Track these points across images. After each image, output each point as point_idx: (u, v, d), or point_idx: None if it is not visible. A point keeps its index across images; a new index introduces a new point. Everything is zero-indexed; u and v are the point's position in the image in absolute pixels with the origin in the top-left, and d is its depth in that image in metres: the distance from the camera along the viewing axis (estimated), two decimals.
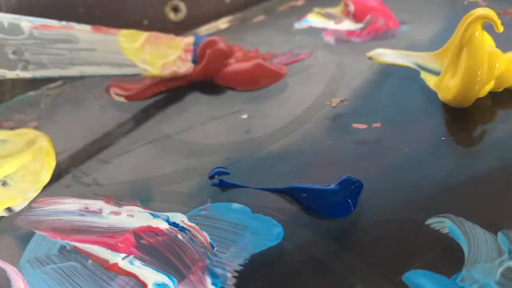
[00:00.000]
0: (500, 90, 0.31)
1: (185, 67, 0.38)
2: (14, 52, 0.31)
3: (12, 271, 0.25)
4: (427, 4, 0.44)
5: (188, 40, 0.39)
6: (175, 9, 0.47)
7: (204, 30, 0.47)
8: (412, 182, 0.26)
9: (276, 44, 0.41)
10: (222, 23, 0.47)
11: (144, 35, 0.38)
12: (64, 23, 0.34)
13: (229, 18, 0.47)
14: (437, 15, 0.42)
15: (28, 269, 0.25)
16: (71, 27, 0.34)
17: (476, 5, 0.41)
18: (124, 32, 0.37)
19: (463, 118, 0.31)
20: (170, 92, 0.38)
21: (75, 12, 0.43)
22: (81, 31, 0.34)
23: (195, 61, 0.38)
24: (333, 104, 0.33)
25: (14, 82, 0.41)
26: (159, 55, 0.37)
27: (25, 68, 0.32)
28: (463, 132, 0.30)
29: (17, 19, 0.32)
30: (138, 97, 0.38)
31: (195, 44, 0.39)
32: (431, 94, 0.32)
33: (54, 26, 0.33)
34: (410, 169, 0.27)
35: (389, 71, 0.36)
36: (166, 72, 0.37)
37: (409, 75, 0.35)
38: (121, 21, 0.45)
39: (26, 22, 0.32)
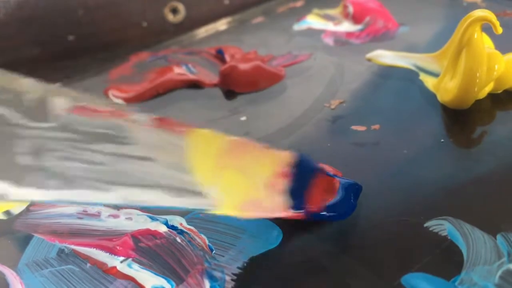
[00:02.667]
0: (499, 91, 0.31)
1: (274, 202, 0.24)
2: (31, 153, 0.19)
3: (10, 275, 0.25)
4: (426, 5, 0.44)
5: (285, 156, 0.24)
6: (174, 11, 0.47)
7: (203, 31, 0.47)
8: (411, 184, 0.26)
9: (275, 45, 0.41)
10: (221, 25, 0.47)
11: (224, 140, 0.23)
12: (117, 105, 0.22)
13: (228, 19, 0.47)
14: (436, 17, 0.42)
15: (27, 272, 0.24)
16: (123, 114, 0.21)
17: (475, 6, 0.41)
18: (197, 132, 0.23)
19: (462, 119, 0.31)
20: (168, 94, 0.38)
21: (75, 14, 0.43)
22: (137, 123, 0.21)
23: (292, 193, 0.24)
24: (332, 106, 0.33)
25: None
26: (241, 178, 0.23)
27: (41, 183, 0.19)
28: (462, 133, 0.30)
29: (48, 91, 0.20)
30: (136, 99, 0.38)
31: (300, 166, 0.24)
32: (430, 96, 0.32)
33: (100, 109, 0.21)
34: (409, 171, 0.27)
35: (388, 72, 0.35)
36: (248, 211, 0.23)
37: (408, 77, 0.34)
38: (120, 23, 0.45)
39: (61, 100, 0.20)
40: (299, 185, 0.24)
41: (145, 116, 0.21)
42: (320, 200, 0.24)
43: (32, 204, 0.29)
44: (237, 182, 0.23)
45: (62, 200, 0.20)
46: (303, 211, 0.24)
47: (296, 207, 0.24)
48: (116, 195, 0.21)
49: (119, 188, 0.21)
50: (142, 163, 0.21)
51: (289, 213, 0.24)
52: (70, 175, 0.20)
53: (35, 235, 0.26)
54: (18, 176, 0.19)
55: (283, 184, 0.23)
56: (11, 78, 0.19)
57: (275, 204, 0.23)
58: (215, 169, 0.22)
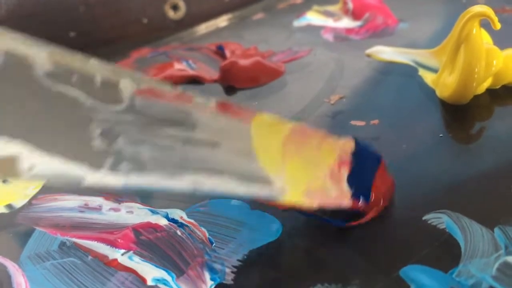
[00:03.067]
0: (497, 87, 0.32)
1: (338, 192, 0.23)
2: (103, 136, 0.19)
3: (12, 267, 0.25)
4: (425, 1, 0.44)
5: (346, 144, 0.24)
6: (175, 7, 0.47)
7: (203, 28, 0.47)
8: (410, 179, 0.27)
9: (275, 41, 0.42)
10: (222, 21, 0.47)
11: (288, 127, 0.22)
12: (180, 90, 0.20)
13: (229, 16, 0.47)
14: (436, 13, 0.42)
15: (29, 265, 0.25)
16: (189, 98, 0.20)
17: (474, 3, 0.41)
18: (262, 118, 0.22)
19: (461, 115, 0.31)
20: None
21: (76, 10, 0.44)
22: (202, 108, 0.21)
23: (352, 181, 0.24)
24: (332, 101, 0.33)
25: None
26: (304, 165, 0.23)
27: (115, 166, 0.19)
28: (461, 128, 0.30)
29: (119, 73, 0.19)
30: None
31: (358, 153, 0.24)
32: (429, 91, 0.33)
33: (165, 93, 0.20)
34: (408, 166, 0.27)
35: (387, 68, 0.36)
36: (312, 200, 0.23)
37: (407, 72, 0.35)
38: (121, 19, 0.45)
39: (129, 82, 0.19)
40: (360, 174, 0.24)
41: (210, 100, 0.21)
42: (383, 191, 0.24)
43: (35, 197, 0.29)
44: (301, 170, 0.23)
45: (133, 185, 0.20)
46: (366, 200, 0.24)
47: (357, 195, 0.24)
48: (185, 181, 0.20)
49: (187, 173, 0.20)
50: (209, 148, 0.21)
51: (352, 202, 0.24)
52: (141, 160, 0.19)
53: (37, 228, 0.27)
54: (93, 160, 0.19)
55: (345, 172, 0.23)
56: (78, 59, 0.19)
57: (338, 193, 0.23)
58: (280, 156, 0.22)
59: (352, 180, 0.23)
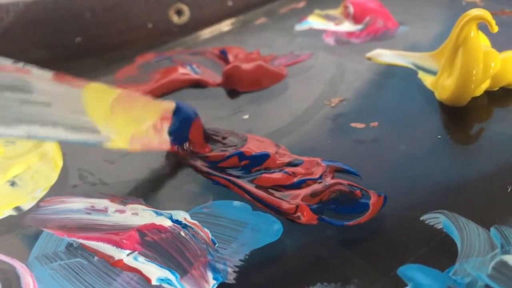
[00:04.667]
0: (496, 89, 0.32)
1: (159, 139, 0.30)
2: None
3: (21, 268, 0.25)
4: (425, 5, 0.44)
5: (167, 105, 0.31)
6: (179, 12, 0.47)
7: (207, 32, 0.47)
8: (409, 180, 0.27)
9: (277, 45, 0.42)
10: (225, 26, 0.48)
11: (115, 92, 0.29)
12: (20, 65, 0.26)
13: (232, 20, 0.48)
14: (436, 16, 0.42)
15: (37, 265, 0.25)
16: (27, 71, 0.26)
17: (474, 6, 0.42)
18: (92, 85, 0.28)
19: (460, 116, 0.31)
20: (173, 93, 0.39)
21: (82, 16, 0.44)
22: (39, 78, 0.26)
23: (173, 133, 0.31)
24: (333, 104, 0.34)
25: None
26: (129, 120, 0.29)
27: None
28: (459, 130, 0.31)
29: None
30: None
31: (177, 113, 0.31)
32: (428, 94, 0.33)
33: (6, 67, 0.25)
34: (407, 167, 0.28)
35: (387, 71, 0.36)
36: (135, 145, 0.29)
37: (407, 75, 0.35)
38: (126, 24, 0.46)
39: None
40: (178, 127, 0.31)
41: (46, 72, 0.26)
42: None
43: (42, 200, 0.30)
44: (127, 123, 0.29)
45: None
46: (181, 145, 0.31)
47: (175, 141, 0.31)
48: (20, 130, 0.25)
49: (22, 125, 0.25)
50: (42, 106, 0.26)
51: (169, 147, 0.31)
52: None
53: (45, 230, 0.27)
54: None
55: (166, 126, 0.31)
56: None
57: (159, 141, 0.30)
58: (108, 113, 0.28)
59: (172, 131, 0.31)
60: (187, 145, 0.31)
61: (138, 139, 0.29)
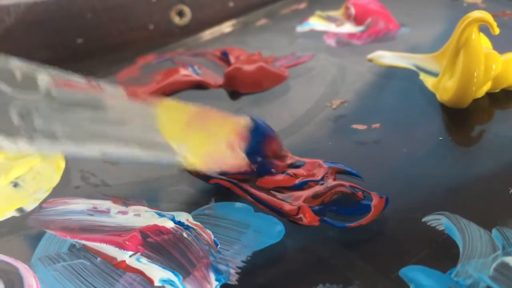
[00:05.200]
0: (497, 90, 0.32)
1: (235, 159, 0.28)
2: (20, 115, 0.23)
3: (24, 269, 0.25)
4: (427, 6, 0.44)
5: (242, 121, 0.29)
6: (180, 14, 0.48)
7: (208, 34, 0.48)
8: (410, 181, 0.27)
9: (278, 47, 0.42)
10: (226, 27, 0.48)
11: (190, 109, 0.28)
12: (94, 83, 0.26)
13: (233, 22, 0.48)
14: (437, 17, 0.42)
15: (39, 266, 0.25)
16: (101, 88, 0.26)
17: (476, 7, 0.42)
18: (166, 103, 0.27)
19: (461, 118, 0.31)
20: (175, 95, 0.39)
21: (83, 17, 0.44)
22: (112, 95, 0.26)
23: (250, 152, 0.28)
24: (334, 106, 0.34)
25: None
26: (204, 139, 0.28)
27: (30, 138, 0.23)
28: (461, 132, 0.31)
29: (36, 70, 0.24)
30: None
31: (254, 131, 0.29)
32: (429, 95, 0.33)
33: (79, 85, 0.25)
34: (408, 169, 0.28)
35: (388, 73, 0.36)
36: (211, 165, 0.28)
37: (408, 77, 0.35)
38: (127, 25, 0.46)
39: (46, 77, 0.24)
40: (254, 145, 0.28)
41: (119, 89, 0.26)
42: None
43: (45, 201, 0.30)
44: (201, 142, 0.27)
45: (47, 150, 0.25)
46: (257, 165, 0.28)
47: (251, 160, 0.28)
48: (95, 150, 0.25)
49: (96, 143, 0.25)
50: (115, 125, 0.25)
51: (245, 165, 0.28)
52: (55, 134, 0.24)
53: (47, 231, 0.27)
54: (12, 133, 0.23)
55: (241, 144, 0.28)
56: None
57: (235, 159, 0.28)
58: (182, 132, 0.27)
59: (248, 149, 0.28)
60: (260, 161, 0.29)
61: (214, 158, 0.28)
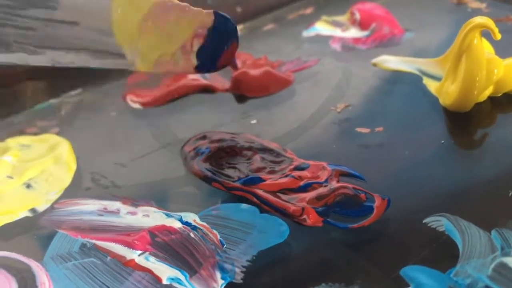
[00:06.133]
0: (499, 95, 0.33)
1: (185, 63, 0.27)
2: None
3: (36, 267, 0.26)
4: (431, 11, 0.45)
5: (205, 18, 0.27)
6: None
7: None
8: (412, 183, 0.28)
9: (284, 51, 0.43)
10: None
11: (149, 3, 0.26)
12: None
13: (240, 26, 0.49)
14: (441, 23, 0.43)
15: (51, 265, 0.26)
16: None
17: (480, 12, 0.42)
18: None
19: (464, 122, 0.32)
20: (183, 98, 0.39)
21: None
22: None
23: (201, 54, 0.27)
24: (338, 109, 0.35)
25: (35, 90, 0.43)
26: (158, 40, 0.27)
27: None
28: (463, 135, 0.31)
29: None
30: (153, 103, 0.39)
31: (213, 30, 0.27)
32: (433, 99, 0.34)
33: None
34: (411, 171, 0.29)
35: (393, 77, 0.37)
36: (159, 69, 0.28)
37: (412, 81, 0.36)
38: None
39: None
40: (211, 48, 0.27)
41: None
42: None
43: (57, 202, 0.31)
44: (155, 44, 0.26)
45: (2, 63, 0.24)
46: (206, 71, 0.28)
47: (201, 68, 0.27)
48: (46, 58, 0.24)
49: (48, 51, 0.24)
50: (69, 27, 0.25)
51: (192, 72, 0.28)
52: (7, 41, 0.24)
53: (59, 230, 0.28)
54: None
55: (197, 44, 0.27)
56: None
57: (185, 63, 0.27)
58: (137, 33, 0.26)
59: (202, 52, 0.27)
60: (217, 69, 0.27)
61: (164, 63, 0.27)
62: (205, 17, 0.27)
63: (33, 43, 0.24)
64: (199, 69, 0.28)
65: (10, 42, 0.24)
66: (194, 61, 0.27)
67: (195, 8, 0.27)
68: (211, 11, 0.27)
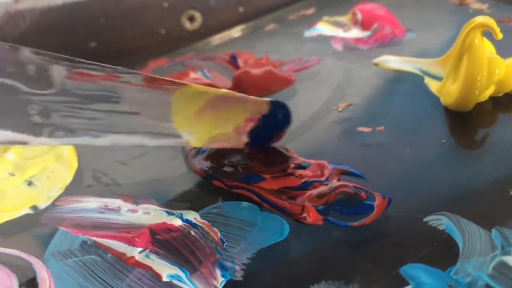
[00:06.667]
0: (500, 94, 0.33)
1: (236, 140, 0.29)
2: (40, 114, 0.24)
3: (37, 264, 0.26)
4: (432, 12, 0.45)
5: (261, 105, 0.29)
6: (191, 19, 0.49)
7: (218, 38, 0.48)
8: (413, 182, 0.28)
9: (286, 51, 0.43)
10: (236, 32, 0.49)
11: (208, 96, 0.28)
12: (109, 69, 0.25)
13: (242, 26, 0.49)
14: (443, 23, 0.43)
15: (52, 262, 0.26)
16: (118, 76, 0.25)
17: (481, 13, 0.42)
18: (184, 90, 0.27)
19: (465, 121, 0.32)
20: None
21: (97, 21, 0.45)
22: (130, 83, 0.26)
23: (253, 137, 0.29)
24: (340, 109, 0.35)
25: None
26: (213, 124, 0.29)
27: (52, 134, 0.25)
28: (464, 135, 0.31)
29: (50, 61, 0.24)
30: None
31: (267, 116, 0.29)
32: (434, 99, 0.34)
33: (95, 75, 0.25)
34: (411, 170, 0.29)
35: (394, 77, 0.37)
36: (211, 146, 0.30)
37: (413, 81, 0.36)
38: (139, 30, 0.47)
39: (60, 68, 0.24)
40: (263, 130, 0.29)
41: (137, 76, 0.26)
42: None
43: (58, 199, 0.31)
44: (210, 128, 0.28)
45: (66, 143, 0.26)
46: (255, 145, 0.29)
47: (252, 145, 0.30)
48: (106, 140, 0.26)
49: (109, 135, 0.26)
50: (130, 116, 0.26)
51: (242, 146, 0.30)
52: (72, 128, 0.26)
53: (60, 228, 0.28)
54: (33, 130, 0.25)
55: (250, 127, 0.29)
56: (11, 50, 0.24)
57: (236, 142, 0.29)
58: (194, 120, 0.28)
59: (254, 132, 0.29)
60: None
61: (217, 141, 0.29)
62: (262, 106, 0.29)
63: (96, 129, 0.26)
64: (250, 146, 0.30)
65: (74, 129, 0.25)
66: (245, 139, 0.29)
67: (253, 97, 0.29)
68: (268, 100, 0.29)
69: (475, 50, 0.31)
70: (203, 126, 0.28)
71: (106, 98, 0.26)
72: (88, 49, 0.46)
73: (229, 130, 0.29)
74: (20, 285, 0.25)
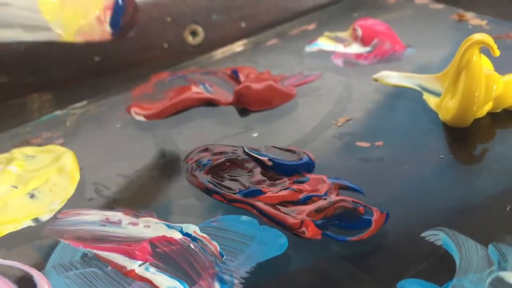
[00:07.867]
0: (498, 110, 0.33)
1: (101, 31, 0.35)
2: None
3: (38, 276, 0.27)
4: (432, 28, 0.45)
5: None
6: (193, 33, 0.49)
7: (220, 53, 0.49)
8: (410, 197, 0.28)
9: (287, 66, 0.43)
10: (237, 46, 0.49)
11: None
12: None
13: (244, 41, 0.50)
14: (442, 39, 0.43)
15: (53, 274, 0.27)
16: None
17: (480, 29, 0.43)
18: None
19: (463, 137, 0.32)
20: (186, 111, 0.40)
21: None
22: None
23: (114, 24, 0.35)
24: (339, 123, 0.35)
25: (42, 102, 0.44)
26: (76, 14, 0.34)
27: None
28: (462, 150, 0.32)
29: None
30: (157, 116, 0.40)
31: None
32: (432, 115, 0.34)
33: None
34: (410, 185, 0.29)
35: (393, 92, 0.37)
36: (79, 39, 0.35)
37: (413, 96, 0.36)
38: (142, 44, 0.47)
39: None
40: (119, 14, 0.34)
41: None
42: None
43: (60, 212, 0.31)
44: (74, 16, 0.33)
45: None
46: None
47: (114, 32, 0.34)
48: None
49: None
50: (4, 8, 0.30)
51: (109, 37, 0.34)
52: None
53: (61, 240, 0.29)
54: None
55: (108, 16, 0.34)
56: None
57: (101, 33, 0.34)
58: (58, 6, 0.32)
59: (112, 21, 0.34)
60: (125, 30, 0.34)
61: (83, 34, 0.34)
62: None
63: None
64: (113, 33, 0.35)
65: None
66: (108, 29, 0.35)
67: None
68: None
69: (473, 67, 0.31)
70: (67, 15, 0.33)
71: None
72: (92, 63, 0.46)
73: (91, 20, 0.34)
74: None
